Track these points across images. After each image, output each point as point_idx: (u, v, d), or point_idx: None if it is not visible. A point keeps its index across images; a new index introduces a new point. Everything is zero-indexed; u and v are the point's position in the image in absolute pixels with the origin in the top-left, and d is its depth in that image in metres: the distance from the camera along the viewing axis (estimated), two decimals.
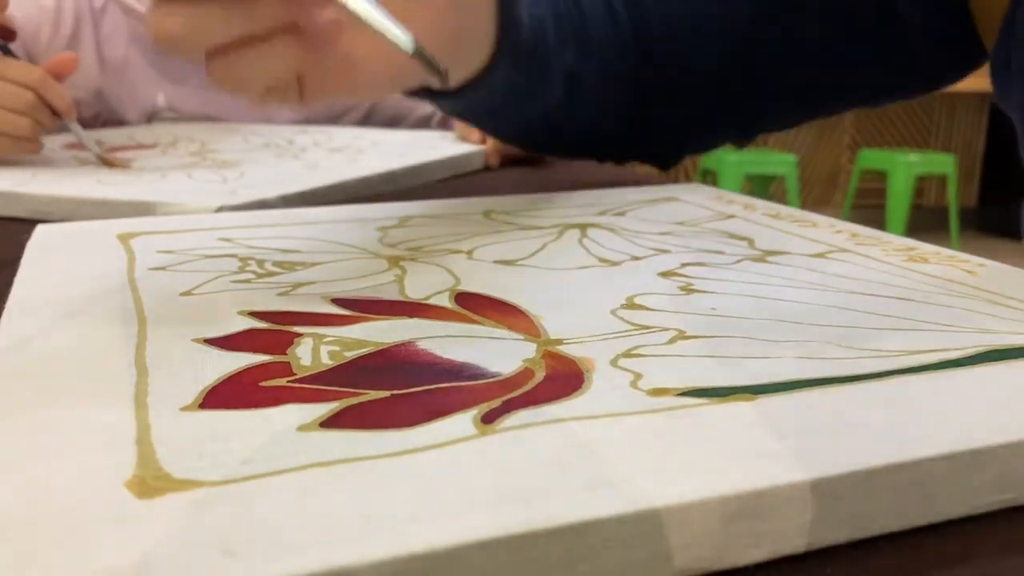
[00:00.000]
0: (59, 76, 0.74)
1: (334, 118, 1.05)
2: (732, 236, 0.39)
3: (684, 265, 0.34)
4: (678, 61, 0.53)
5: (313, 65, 0.32)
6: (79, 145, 0.75)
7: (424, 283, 0.32)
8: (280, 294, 0.30)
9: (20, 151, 0.71)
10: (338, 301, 0.29)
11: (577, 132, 0.52)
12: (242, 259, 0.35)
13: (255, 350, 0.24)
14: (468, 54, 0.40)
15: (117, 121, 1.11)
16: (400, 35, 0.23)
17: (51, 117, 0.72)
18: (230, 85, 0.30)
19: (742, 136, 0.58)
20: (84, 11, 1.09)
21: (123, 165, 0.69)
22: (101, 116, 1.11)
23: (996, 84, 0.46)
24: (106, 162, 0.70)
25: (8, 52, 0.73)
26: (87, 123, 1.10)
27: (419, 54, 0.22)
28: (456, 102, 0.43)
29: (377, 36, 0.23)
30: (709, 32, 0.52)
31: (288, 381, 0.22)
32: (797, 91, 0.53)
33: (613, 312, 0.28)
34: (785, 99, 0.54)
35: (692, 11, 0.52)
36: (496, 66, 0.41)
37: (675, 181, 0.57)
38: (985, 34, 0.47)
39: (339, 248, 0.37)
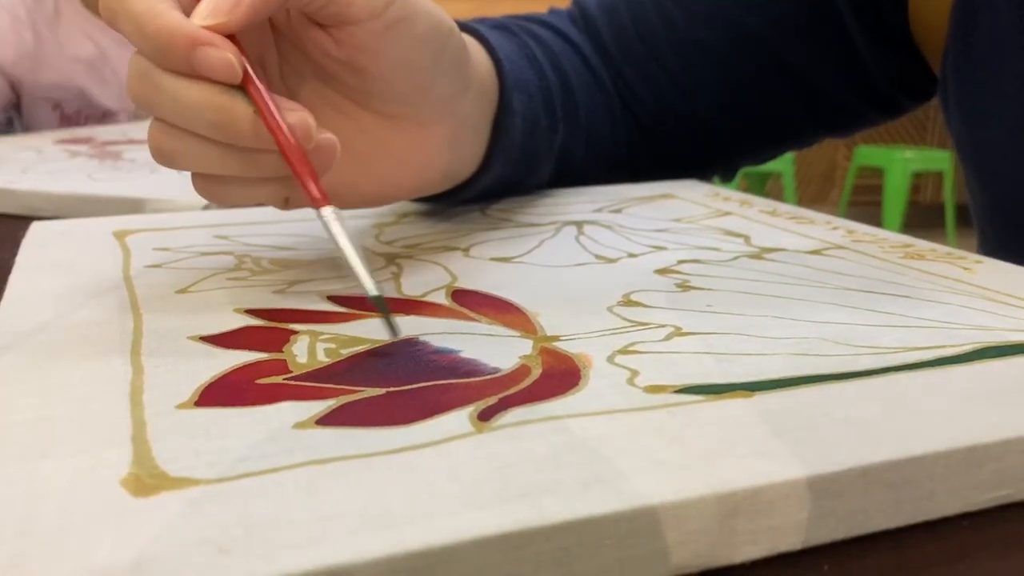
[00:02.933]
0: None
1: None
2: (729, 233, 0.39)
3: (681, 262, 0.34)
4: (661, 116, 0.55)
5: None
6: (70, 141, 0.75)
7: (421, 280, 0.32)
8: (276, 291, 0.30)
9: None
10: (334, 298, 0.29)
11: (565, 185, 0.53)
12: (238, 256, 0.35)
13: (251, 348, 0.24)
14: (461, 176, 0.39)
15: (101, 115, 1.11)
16: (370, 285, 0.25)
17: None
18: (210, 200, 0.30)
19: (725, 172, 0.60)
20: (38, 20, 1.11)
21: None
22: (83, 112, 1.12)
23: (944, 116, 0.48)
24: None
25: None
26: (72, 119, 1.11)
27: (378, 303, 0.25)
28: (443, 201, 0.42)
29: (351, 275, 0.26)
30: (688, 88, 0.53)
31: (284, 379, 0.22)
32: (776, 130, 0.56)
33: (610, 309, 0.28)
34: (765, 139, 0.57)
35: (668, 70, 0.53)
36: (487, 170, 0.41)
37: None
38: (935, 67, 0.49)
39: (334, 245, 0.37)
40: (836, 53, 0.50)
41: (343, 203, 0.34)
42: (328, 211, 0.27)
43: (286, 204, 0.31)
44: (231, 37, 0.27)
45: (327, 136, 0.28)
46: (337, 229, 0.26)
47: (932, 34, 0.47)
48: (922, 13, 0.47)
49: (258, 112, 0.27)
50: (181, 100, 0.27)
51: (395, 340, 0.24)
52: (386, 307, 0.24)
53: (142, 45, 0.27)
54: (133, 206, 0.50)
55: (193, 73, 0.26)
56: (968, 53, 0.43)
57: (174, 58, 0.26)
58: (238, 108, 0.27)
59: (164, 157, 0.28)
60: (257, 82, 0.27)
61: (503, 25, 0.50)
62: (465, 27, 0.42)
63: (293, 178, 0.29)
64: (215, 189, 0.29)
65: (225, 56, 0.26)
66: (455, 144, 0.36)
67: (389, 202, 0.36)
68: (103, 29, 1.07)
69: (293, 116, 0.27)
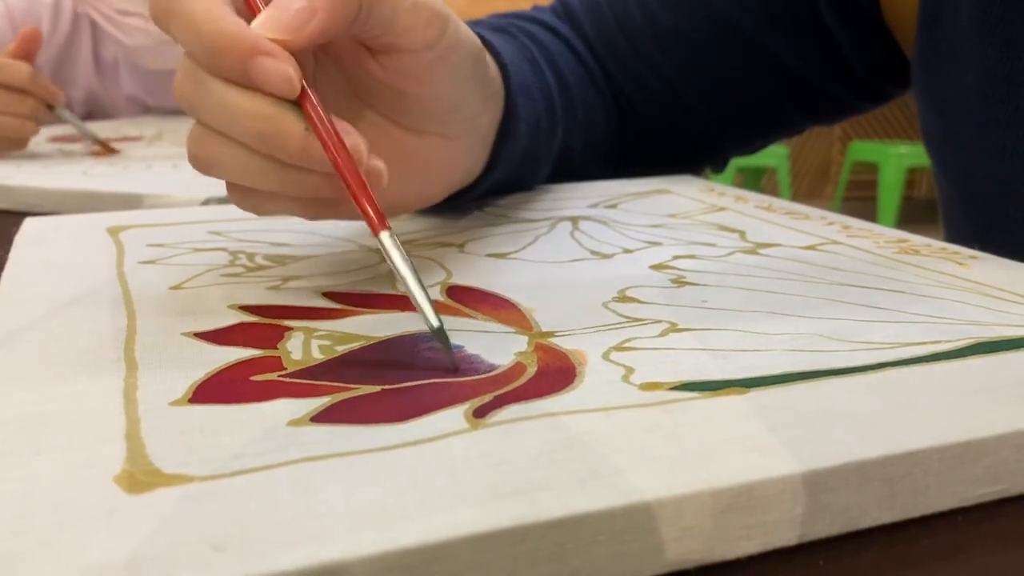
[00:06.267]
0: (29, 55, 0.73)
1: None
2: (724, 228, 0.39)
3: (676, 257, 0.34)
4: (646, 109, 0.55)
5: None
6: (65, 139, 0.75)
7: None
8: (270, 288, 0.30)
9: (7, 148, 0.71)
10: (329, 295, 0.29)
11: (562, 181, 0.53)
12: (232, 252, 0.35)
13: (245, 344, 0.24)
14: (468, 181, 0.39)
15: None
16: (432, 317, 0.24)
17: (29, 102, 0.71)
18: (243, 209, 0.29)
19: (716, 164, 0.60)
20: (82, 10, 1.09)
21: (116, 150, 0.69)
22: (94, 117, 1.11)
23: (917, 105, 0.49)
24: (103, 146, 0.70)
25: None
26: None
27: (440, 334, 0.23)
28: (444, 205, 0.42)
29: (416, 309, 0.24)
30: (671, 80, 0.54)
31: (279, 375, 0.22)
32: (762, 120, 0.56)
33: (605, 305, 0.28)
34: (752, 128, 0.57)
35: (650, 63, 0.53)
36: (490, 174, 0.40)
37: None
38: (909, 55, 0.49)
39: (330, 241, 0.37)
40: (814, 41, 0.50)
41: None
42: (386, 235, 0.25)
43: (316, 218, 0.30)
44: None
45: (377, 163, 0.28)
46: (396, 255, 0.25)
47: (903, 22, 0.47)
48: (893, 1, 0.47)
49: (311, 130, 0.26)
50: (229, 107, 0.26)
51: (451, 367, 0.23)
52: (447, 338, 0.23)
53: (195, 48, 0.26)
54: (131, 202, 0.50)
55: (246, 82, 0.26)
56: (933, 43, 0.44)
57: (229, 64, 0.25)
58: (288, 122, 0.26)
59: (201, 164, 0.28)
60: (314, 100, 0.26)
61: (500, 27, 0.51)
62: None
63: (330, 199, 0.28)
64: (249, 199, 0.29)
65: (284, 69, 0.25)
66: (471, 152, 0.36)
67: (410, 211, 0.36)
68: (119, 37, 1.06)
69: (348, 139, 0.26)
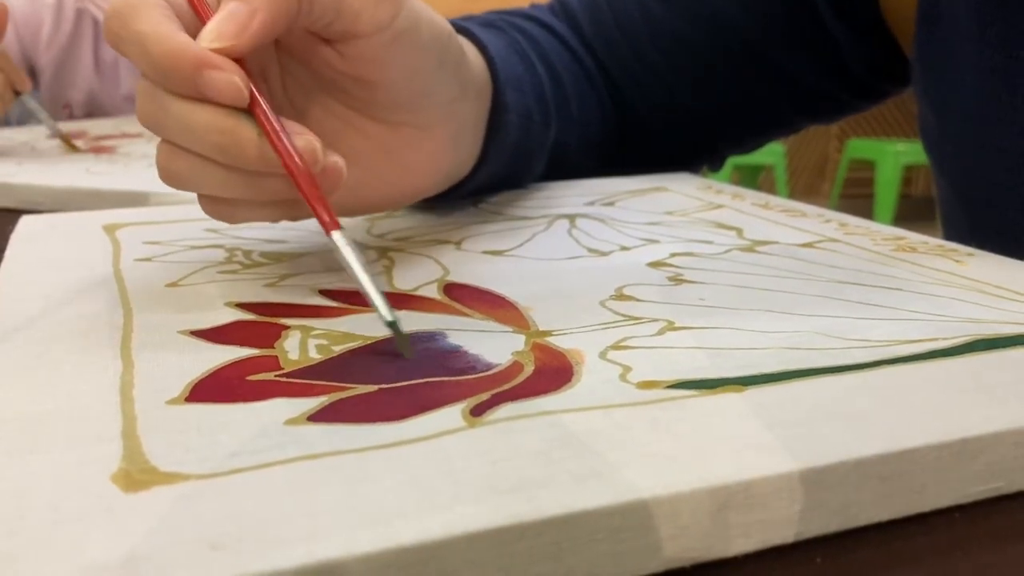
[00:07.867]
0: None
1: None
2: (721, 226, 0.39)
3: (673, 255, 0.34)
4: (643, 108, 0.55)
5: None
6: (65, 136, 0.75)
7: (413, 274, 0.31)
8: (267, 285, 0.30)
9: None
10: (325, 292, 0.29)
11: (559, 178, 0.53)
12: (229, 250, 0.35)
13: (242, 343, 0.24)
14: (459, 176, 0.39)
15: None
16: (385, 310, 0.24)
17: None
18: (216, 219, 0.30)
19: (712, 162, 0.60)
20: (86, 11, 1.09)
21: (79, 148, 0.69)
22: (94, 117, 1.11)
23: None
24: (65, 141, 0.69)
25: None
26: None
27: (394, 329, 0.24)
28: (437, 200, 0.42)
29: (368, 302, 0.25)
30: (668, 79, 0.54)
31: (275, 375, 0.22)
32: (759, 119, 0.56)
33: (602, 303, 0.28)
34: (748, 128, 0.57)
35: (647, 62, 0.54)
36: (482, 168, 0.40)
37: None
38: (908, 53, 0.49)
39: (327, 239, 0.36)
40: (812, 41, 0.50)
41: (350, 212, 0.34)
42: (338, 235, 0.26)
43: (293, 219, 0.31)
44: (238, 59, 0.27)
45: (334, 160, 0.28)
46: (348, 253, 0.26)
47: (903, 21, 0.47)
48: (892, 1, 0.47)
49: (264, 135, 0.26)
50: (187, 123, 0.26)
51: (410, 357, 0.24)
52: (403, 332, 0.24)
53: (147, 68, 0.26)
54: (137, 199, 0.50)
55: (199, 96, 0.26)
56: (932, 42, 0.44)
57: (179, 81, 0.26)
58: (243, 131, 0.26)
59: (171, 178, 0.28)
60: (264, 105, 0.27)
61: (490, 22, 0.50)
62: (456, 27, 0.42)
63: (299, 200, 0.29)
64: (220, 210, 0.29)
65: (231, 79, 0.26)
66: (456, 145, 0.36)
67: (395, 207, 0.36)
68: None
69: (300, 140, 0.27)
